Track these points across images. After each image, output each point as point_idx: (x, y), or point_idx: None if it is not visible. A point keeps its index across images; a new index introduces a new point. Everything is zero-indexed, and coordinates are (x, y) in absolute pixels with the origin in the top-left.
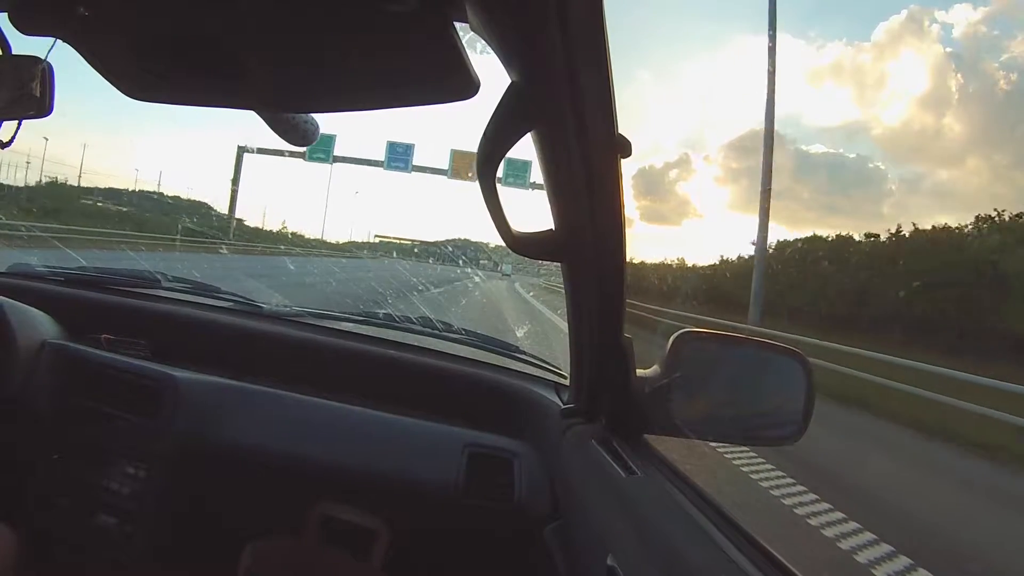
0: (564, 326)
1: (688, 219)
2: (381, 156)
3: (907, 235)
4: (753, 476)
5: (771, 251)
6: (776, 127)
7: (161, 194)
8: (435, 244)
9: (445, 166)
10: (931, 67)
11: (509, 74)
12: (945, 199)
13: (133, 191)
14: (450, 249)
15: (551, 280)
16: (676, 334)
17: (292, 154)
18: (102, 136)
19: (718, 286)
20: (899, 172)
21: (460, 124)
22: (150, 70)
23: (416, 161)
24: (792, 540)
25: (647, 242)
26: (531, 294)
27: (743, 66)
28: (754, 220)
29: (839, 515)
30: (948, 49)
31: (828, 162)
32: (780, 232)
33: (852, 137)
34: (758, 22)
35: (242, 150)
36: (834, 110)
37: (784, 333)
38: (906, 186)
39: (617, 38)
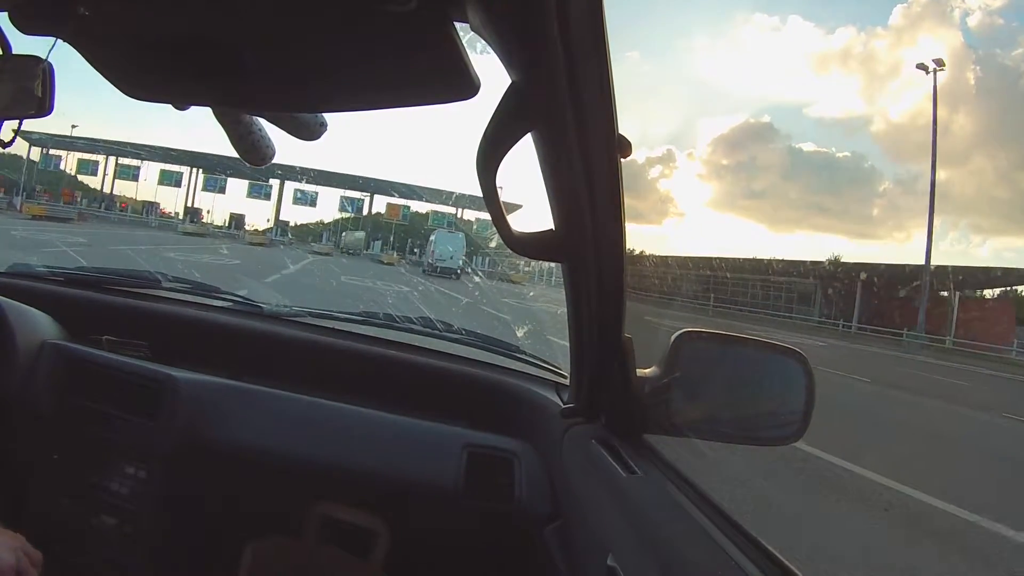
0: None
1: (668, 217)
2: None
3: None
4: None
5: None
6: (770, 120)
7: None
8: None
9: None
10: (949, 56)
11: (509, 74)
12: (939, 201)
13: None
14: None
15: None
16: (676, 334)
17: None
18: None
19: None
20: (895, 171)
21: (460, 124)
22: (150, 70)
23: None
24: None
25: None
26: None
27: (735, 58)
28: (739, 221)
29: None
30: (969, 39)
31: (820, 160)
32: (760, 231)
33: (852, 133)
34: (756, 5)
35: None
36: (837, 102)
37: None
38: (901, 187)
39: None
